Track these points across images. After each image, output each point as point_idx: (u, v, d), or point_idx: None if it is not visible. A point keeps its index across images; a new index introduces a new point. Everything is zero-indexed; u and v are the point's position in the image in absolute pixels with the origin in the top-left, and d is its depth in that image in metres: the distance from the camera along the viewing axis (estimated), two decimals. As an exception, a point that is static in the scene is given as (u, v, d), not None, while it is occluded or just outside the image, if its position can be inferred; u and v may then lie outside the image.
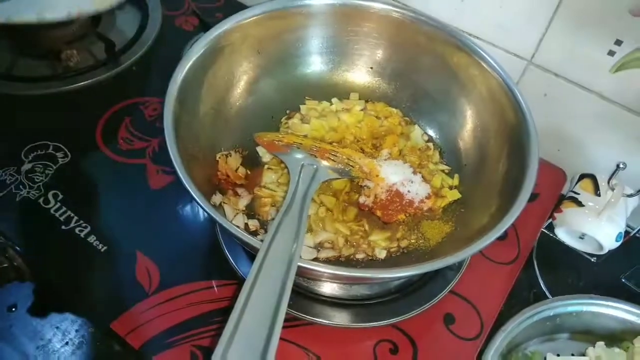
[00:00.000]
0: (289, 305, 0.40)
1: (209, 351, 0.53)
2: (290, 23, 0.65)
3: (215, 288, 0.58)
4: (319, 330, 0.56)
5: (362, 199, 0.60)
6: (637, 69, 0.54)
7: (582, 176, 0.66)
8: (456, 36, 0.62)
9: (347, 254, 0.57)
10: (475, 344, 0.57)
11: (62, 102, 0.75)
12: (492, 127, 0.61)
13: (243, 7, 0.63)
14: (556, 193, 0.72)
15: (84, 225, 0.62)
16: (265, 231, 0.57)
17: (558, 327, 0.57)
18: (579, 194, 0.64)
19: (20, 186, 0.65)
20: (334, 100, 0.69)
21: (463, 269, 0.61)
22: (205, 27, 0.87)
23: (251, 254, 0.58)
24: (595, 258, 0.67)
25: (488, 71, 0.60)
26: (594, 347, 0.55)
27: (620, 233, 0.61)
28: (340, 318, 0.56)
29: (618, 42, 0.60)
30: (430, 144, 0.67)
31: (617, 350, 0.55)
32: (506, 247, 0.65)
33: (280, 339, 0.37)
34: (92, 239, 0.61)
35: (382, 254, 0.57)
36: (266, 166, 0.63)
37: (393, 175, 0.60)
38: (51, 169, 0.67)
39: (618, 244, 0.62)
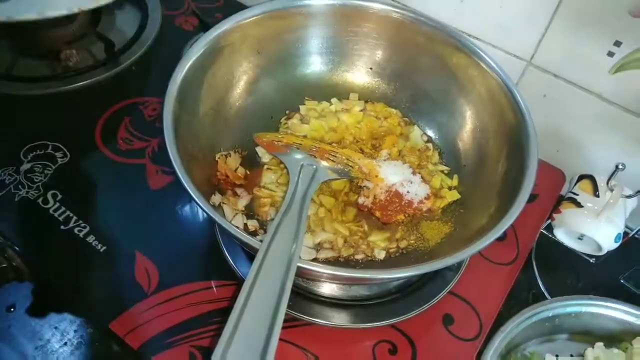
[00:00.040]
0: (288, 306, 0.40)
1: (208, 351, 0.53)
2: (290, 23, 0.65)
3: (215, 288, 0.58)
4: (318, 331, 0.56)
5: (361, 200, 0.60)
6: (636, 70, 0.54)
7: (581, 177, 0.66)
8: (455, 37, 0.62)
9: (346, 254, 0.57)
10: (474, 344, 0.57)
11: (61, 102, 0.75)
12: (491, 127, 0.61)
13: (243, 7, 0.63)
14: (555, 194, 0.72)
15: (83, 225, 0.62)
16: (265, 231, 0.57)
17: (557, 327, 0.57)
18: (578, 194, 0.64)
19: (20, 186, 0.65)
20: (334, 100, 0.69)
21: (462, 270, 0.61)
22: (205, 27, 0.87)
23: (250, 254, 0.58)
24: (594, 259, 0.67)
25: (487, 72, 0.60)
26: (592, 347, 0.55)
27: (619, 234, 0.61)
28: (339, 318, 0.56)
29: (617, 43, 0.60)
30: (430, 145, 0.67)
31: (615, 351, 0.55)
32: (505, 247, 0.66)
33: (280, 339, 0.37)
34: (91, 239, 0.61)
35: (381, 255, 0.57)
36: (265, 166, 0.63)
37: (392, 175, 0.60)
38: (50, 168, 0.67)
39: (617, 244, 0.62)
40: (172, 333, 0.55)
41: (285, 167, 0.59)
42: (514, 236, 0.67)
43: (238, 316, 0.38)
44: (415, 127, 0.68)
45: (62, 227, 0.62)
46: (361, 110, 0.68)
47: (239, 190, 0.60)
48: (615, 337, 0.57)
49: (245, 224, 0.57)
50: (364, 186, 0.61)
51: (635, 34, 0.58)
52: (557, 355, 0.56)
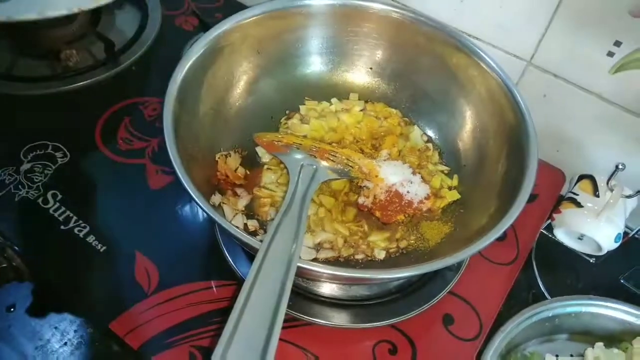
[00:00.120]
0: (288, 306, 0.40)
1: (208, 351, 0.53)
2: (290, 23, 0.65)
3: (215, 288, 0.58)
4: (318, 331, 0.56)
5: (361, 200, 0.60)
6: (636, 70, 0.54)
7: (581, 177, 0.66)
8: (455, 37, 0.62)
9: (346, 254, 0.57)
10: (474, 344, 0.57)
11: (61, 102, 0.75)
12: (491, 127, 0.61)
13: (243, 7, 0.63)
14: (555, 194, 0.72)
15: (83, 225, 0.62)
16: (265, 231, 0.57)
17: (557, 327, 0.57)
18: (578, 194, 0.64)
19: (20, 186, 0.65)
20: (334, 100, 0.69)
21: (462, 270, 0.61)
22: (205, 27, 0.87)
23: (250, 254, 0.58)
24: (594, 259, 0.67)
25: (487, 72, 0.60)
26: (592, 348, 0.55)
27: (619, 234, 0.61)
28: (339, 318, 0.56)
29: (617, 43, 0.60)
30: (430, 145, 0.67)
31: (615, 351, 0.55)
32: (505, 247, 0.66)
33: (280, 339, 0.37)
34: (91, 239, 0.61)
35: (381, 255, 0.57)
36: (265, 166, 0.63)
37: (392, 175, 0.60)
38: (50, 168, 0.67)
39: (617, 244, 0.62)
40: (172, 333, 0.55)
41: (285, 167, 0.59)
42: (514, 236, 0.67)
43: (238, 316, 0.38)
44: (415, 127, 0.68)
45: (62, 227, 0.62)
46: (361, 110, 0.68)
47: (239, 190, 0.60)
48: (615, 337, 0.57)
49: (245, 224, 0.57)
50: (364, 186, 0.61)
51: (635, 34, 0.58)
52: (557, 355, 0.56)
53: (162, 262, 0.60)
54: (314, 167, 0.58)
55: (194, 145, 0.55)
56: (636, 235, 0.65)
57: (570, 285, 0.66)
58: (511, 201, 0.49)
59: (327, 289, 0.58)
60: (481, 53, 0.60)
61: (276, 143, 0.63)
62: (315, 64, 0.69)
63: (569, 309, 0.57)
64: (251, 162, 0.63)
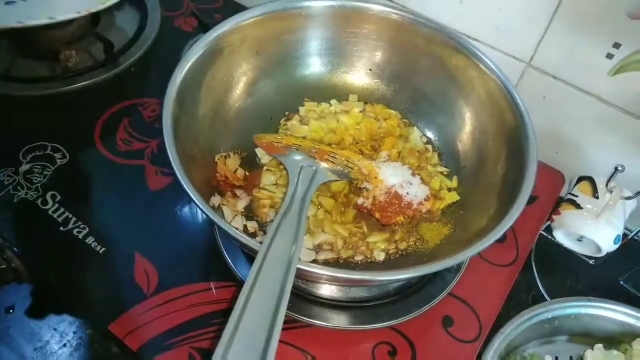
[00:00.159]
0: (288, 307, 0.40)
1: (207, 353, 0.53)
2: (290, 24, 0.65)
3: (214, 290, 0.58)
4: (318, 332, 0.56)
5: (360, 201, 0.60)
6: (635, 71, 0.54)
7: (581, 179, 0.66)
8: (455, 38, 0.62)
9: (345, 256, 0.57)
10: (473, 346, 0.57)
11: (60, 102, 0.75)
12: (490, 129, 0.61)
13: (242, 8, 0.63)
14: (554, 195, 0.72)
15: (82, 226, 0.62)
16: (264, 233, 0.57)
17: (556, 329, 0.57)
18: (577, 196, 0.64)
19: (18, 187, 0.65)
20: (333, 101, 0.69)
21: (462, 271, 0.61)
22: (205, 28, 0.87)
23: (250, 255, 0.58)
24: (593, 260, 0.67)
25: (487, 73, 0.60)
26: (592, 349, 0.55)
27: (618, 235, 0.62)
28: (338, 320, 0.56)
29: (616, 45, 0.60)
30: (429, 146, 0.67)
31: (615, 352, 0.55)
32: (505, 249, 0.65)
33: (279, 340, 0.37)
34: (90, 240, 0.61)
35: (380, 256, 0.57)
36: (265, 168, 0.63)
37: (392, 177, 0.60)
38: (49, 169, 0.67)
39: (616, 246, 0.62)
40: (171, 334, 0.54)
41: (285, 169, 0.59)
42: (513, 238, 0.67)
43: (238, 318, 0.38)
44: (415, 128, 0.68)
45: (61, 228, 0.62)
46: (360, 112, 0.68)
47: (238, 192, 0.60)
48: (615, 339, 0.57)
49: (245, 226, 0.57)
50: (364, 187, 0.61)
51: (634, 36, 0.58)
52: (556, 357, 0.56)
53: (162, 264, 0.60)
54: (314, 168, 0.58)
55: (193, 146, 0.55)
56: (635, 237, 0.65)
57: (570, 286, 0.66)
58: (511, 203, 0.49)
59: (327, 290, 0.58)
60: (480, 54, 0.60)
61: (275, 144, 0.63)
62: (314, 65, 0.69)
63: (568, 311, 0.57)
64: (250, 164, 0.63)
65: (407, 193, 0.60)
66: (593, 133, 0.69)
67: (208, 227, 0.64)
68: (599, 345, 0.55)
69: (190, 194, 0.46)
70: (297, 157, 0.60)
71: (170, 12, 0.91)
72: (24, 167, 0.67)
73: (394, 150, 0.65)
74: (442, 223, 0.60)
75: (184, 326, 0.55)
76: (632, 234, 0.65)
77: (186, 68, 0.55)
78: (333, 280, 0.50)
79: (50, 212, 0.63)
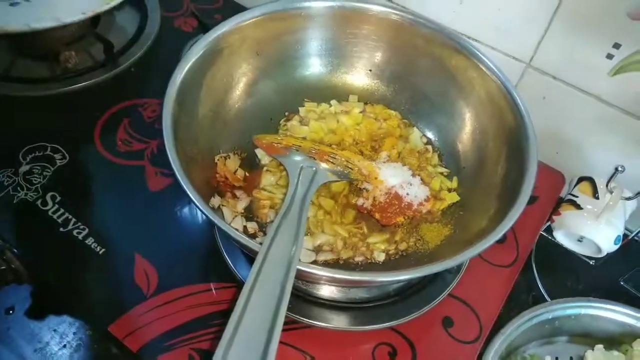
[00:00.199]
0: (288, 308, 0.40)
1: (207, 354, 0.53)
2: (290, 25, 0.65)
3: (214, 291, 0.58)
4: (318, 333, 0.56)
5: (360, 202, 0.60)
6: (635, 72, 0.54)
7: (581, 179, 0.66)
8: (454, 39, 0.62)
9: (345, 256, 0.57)
10: (474, 347, 0.57)
11: (60, 103, 0.75)
12: (490, 129, 0.61)
13: (242, 8, 0.63)
14: (555, 196, 0.72)
15: (82, 227, 0.62)
16: (264, 234, 0.57)
17: (557, 330, 0.57)
18: (577, 196, 0.64)
19: (18, 188, 0.65)
20: (333, 102, 0.69)
21: (462, 272, 0.61)
22: (204, 28, 0.87)
23: (250, 256, 0.58)
24: (593, 261, 0.67)
25: (486, 74, 0.60)
26: (592, 350, 0.55)
27: (618, 236, 0.61)
28: (338, 321, 0.56)
29: (616, 45, 0.60)
30: (429, 147, 0.67)
31: (615, 353, 0.55)
32: (505, 250, 0.65)
33: (279, 342, 0.37)
34: (90, 241, 0.61)
35: (380, 257, 0.57)
36: (265, 168, 0.63)
37: (392, 177, 0.60)
38: (49, 170, 0.67)
39: (617, 247, 0.62)
40: (171, 335, 0.54)
41: (285, 169, 0.59)
42: (513, 238, 0.67)
43: (238, 319, 0.38)
44: (415, 129, 0.68)
45: (61, 229, 0.62)
46: (360, 112, 0.68)
47: (238, 193, 0.60)
48: (615, 340, 0.57)
49: (245, 227, 0.57)
50: (364, 188, 0.61)
51: (634, 36, 0.58)
52: (557, 358, 0.56)
53: (162, 265, 0.60)
54: (314, 169, 0.58)
55: (193, 147, 0.55)
56: (636, 238, 0.65)
57: (570, 287, 0.66)
58: (511, 203, 0.49)
59: (327, 291, 0.58)
60: (480, 55, 0.60)
61: (275, 145, 0.63)
62: (314, 66, 0.69)
63: (568, 311, 0.57)
64: (250, 164, 0.63)
65: (407, 194, 0.60)
66: (593, 133, 0.69)
67: (208, 228, 0.64)
68: (600, 346, 0.55)
69: (190, 195, 0.46)
70: (297, 158, 0.60)
71: (170, 13, 0.91)
72: (24, 168, 0.67)
73: (394, 150, 0.65)
74: (442, 224, 0.60)
75: (184, 327, 0.55)
76: (633, 234, 0.65)
77: (186, 68, 0.55)
78: (333, 281, 0.50)
79: (50, 213, 0.63)
